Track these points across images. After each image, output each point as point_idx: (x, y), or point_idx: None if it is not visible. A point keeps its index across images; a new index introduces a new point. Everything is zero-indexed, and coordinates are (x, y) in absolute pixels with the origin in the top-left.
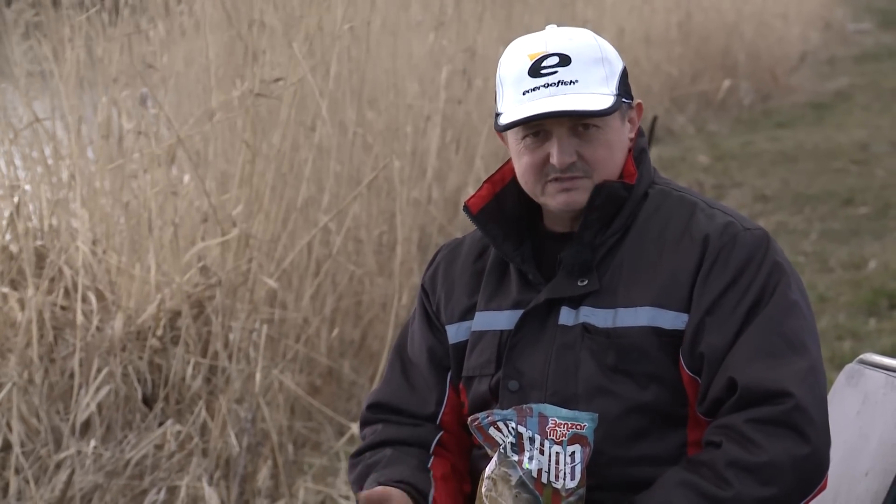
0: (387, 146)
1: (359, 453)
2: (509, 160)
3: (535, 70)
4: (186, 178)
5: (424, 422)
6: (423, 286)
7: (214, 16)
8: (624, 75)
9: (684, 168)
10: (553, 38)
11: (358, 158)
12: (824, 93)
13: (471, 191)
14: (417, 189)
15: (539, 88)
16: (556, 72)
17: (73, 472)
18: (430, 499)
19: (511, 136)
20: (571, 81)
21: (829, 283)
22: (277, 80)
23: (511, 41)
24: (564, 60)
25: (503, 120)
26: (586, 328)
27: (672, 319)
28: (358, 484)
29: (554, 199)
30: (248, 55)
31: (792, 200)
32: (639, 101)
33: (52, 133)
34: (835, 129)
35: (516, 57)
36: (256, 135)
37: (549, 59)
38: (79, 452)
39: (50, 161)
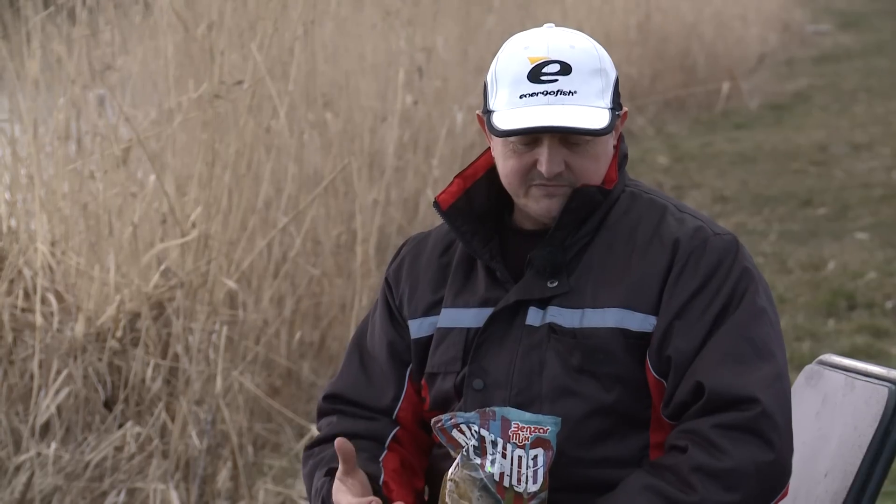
0: (345, 147)
1: (312, 446)
2: (481, 155)
3: (535, 76)
4: (146, 178)
5: (380, 415)
6: (386, 279)
7: (171, 17)
8: (616, 84)
9: (644, 169)
10: (555, 43)
11: (316, 160)
12: (783, 94)
13: (429, 192)
14: (376, 190)
15: (537, 95)
16: (556, 80)
17: (32, 475)
18: (381, 482)
19: None
20: (570, 92)
21: (788, 284)
22: (238, 82)
23: (469, 42)
24: (565, 69)
25: (497, 120)
26: (552, 328)
27: (640, 321)
28: (309, 478)
29: (537, 204)
30: (206, 56)
31: (751, 201)
32: (625, 109)
33: (11, 134)
34: (793, 131)
35: (516, 58)
36: (215, 136)
37: (550, 65)
38: (38, 455)
39: (8, 162)
